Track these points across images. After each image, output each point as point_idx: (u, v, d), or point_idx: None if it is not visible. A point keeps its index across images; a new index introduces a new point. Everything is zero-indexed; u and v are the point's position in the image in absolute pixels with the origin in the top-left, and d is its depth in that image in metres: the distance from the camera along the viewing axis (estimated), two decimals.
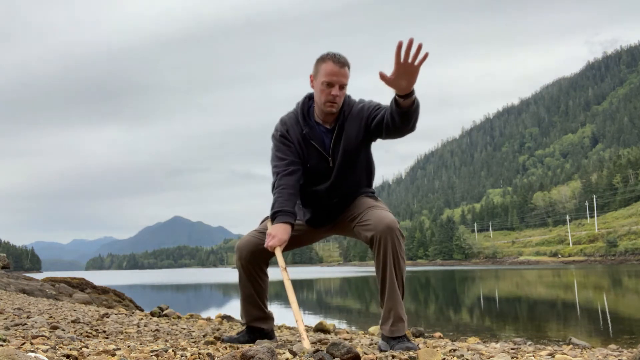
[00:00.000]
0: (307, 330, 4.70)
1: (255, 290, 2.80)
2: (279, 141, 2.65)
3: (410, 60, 2.10)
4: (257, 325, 2.88)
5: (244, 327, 2.94)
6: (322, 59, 2.51)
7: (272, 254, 2.71)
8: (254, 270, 2.75)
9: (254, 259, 2.71)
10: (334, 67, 2.46)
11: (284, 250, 2.58)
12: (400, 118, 2.30)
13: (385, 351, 2.40)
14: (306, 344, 2.16)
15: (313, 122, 2.64)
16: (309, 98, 2.68)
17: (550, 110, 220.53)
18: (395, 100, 2.26)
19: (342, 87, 2.50)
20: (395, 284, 2.47)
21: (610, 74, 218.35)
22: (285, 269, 2.53)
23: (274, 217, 2.56)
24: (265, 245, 2.53)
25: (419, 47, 2.08)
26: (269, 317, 2.91)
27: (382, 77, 2.17)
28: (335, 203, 2.71)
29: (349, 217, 2.70)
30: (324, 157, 2.63)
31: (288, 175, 2.59)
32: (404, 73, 2.13)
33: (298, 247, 2.88)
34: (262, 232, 2.70)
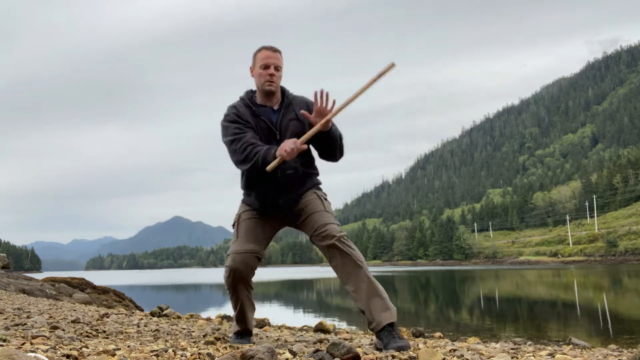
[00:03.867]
0: (306, 330, 4.69)
1: (249, 299, 2.99)
2: (234, 120, 2.84)
3: (324, 106, 2.69)
4: (249, 327, 3.04)
5: (242, 330, 3.02)
6: (257, 50, 2.88)
7: (256, 266, 2.88)
8: (250, 285, 2.95)
9: (250, 277, 2.91)
10: (268, 52, 2.84)
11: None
12: (328, 142, 2.82)
13: (380, 349, 2.44)
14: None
15: (259, 105, 2.92)
16: (251, 91, 2.97)
17: (550, 110, 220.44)
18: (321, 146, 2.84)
19: (277, 68, 2.84)
20: (369, 281, 2.65)
21: (610, 74, 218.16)
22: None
23: (267, 153, 2.67)
24: (289, 150, 2.60)
25: (327, 96, 2.69)
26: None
27: (305, 115, 2.76)
28: (284, 182, 2.83)
29: (301, 217, 2.84)
30: (272, 130, 2.85)
31: (251, 137, 2.78)
32: (320, 115, 2.70)
33: (264, 246, 2.94)
34: (255, 245, 2.86)
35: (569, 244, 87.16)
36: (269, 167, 2.64)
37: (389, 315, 2.58)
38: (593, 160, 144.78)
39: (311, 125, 2.79)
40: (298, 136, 2.77)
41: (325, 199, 2.92)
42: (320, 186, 2.99)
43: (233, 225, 2.96)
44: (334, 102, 2.67)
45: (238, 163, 2.77)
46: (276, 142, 2.80)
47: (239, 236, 2.88)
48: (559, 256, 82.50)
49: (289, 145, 2.60)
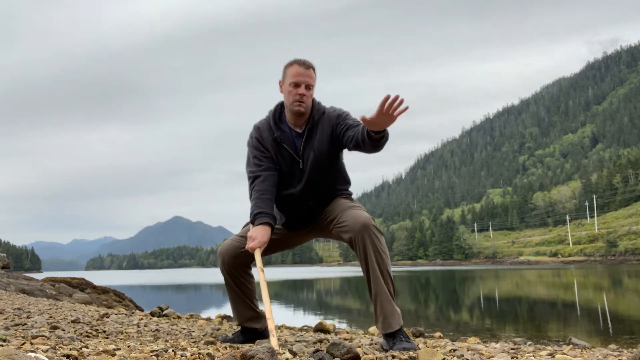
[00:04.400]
0: (306, 330, 4.70)
1: (243, 292, 2.88)
2: (254, 147, 2.74)
3: (391, 111, 2.27)
4: (251, 326, 2.93)
5: (238, 328, 2.98)
6: (288, 64, 2.66)
7: (246, 260, 2.80)
8: (238, 274, 2.83)
9: (237, 263, 2.80)
10: (300, 68, 2.61)
11: (264, 254, 2.66)
12: (371, 147, 2.48)
13: (386, 350, 2.43)
14: (274, 342, 2.18)
15: (285, 126, 2.73)
16: (281, 105, 2.77)
17: (550, 110, 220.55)
18: (367, 133, 2.41)
19: (309, 87, 2.63)
20: (380, 280, 2.54)
21: (610, 74, 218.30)
22: (262, 270, 2.56)
23: (254, 219, 2.63)
24: (246, 248, 2.60)
25: (401, 102, 2.26)
26: (260, 317, 2.94)
27: (363, 119, 2.33)
28: (311, 206, 2.78)
29: (327, 220, 2.75)
30: (295, 159, 2.71)
31: (264, 180, 2.68)
32: (383, 119, 2.30)
33: (279, 250, 2.96)
34: (242, 236, 2.79)
35: (569, 244, 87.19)
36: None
37: (391, 323, 2.52)
38: (593, 160, 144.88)
39: (337, 143, 2.67)
40: (317, 169, 2.70)
41: (349, 198, 2.82)
42: (350, 196, 2.85)
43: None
44: (405, 108, 2.29)
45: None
46: (299, 171, 2.72)
47: (241, 230, 2.87)
48: (559, 256, 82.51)
49: (249, 244, 2.54)
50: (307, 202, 2.76)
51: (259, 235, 2.57)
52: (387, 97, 2.24)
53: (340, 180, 2.84)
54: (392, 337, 2.51)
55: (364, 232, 2.52)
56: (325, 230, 2.79)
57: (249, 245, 2.56)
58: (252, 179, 2.71)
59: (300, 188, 2.73)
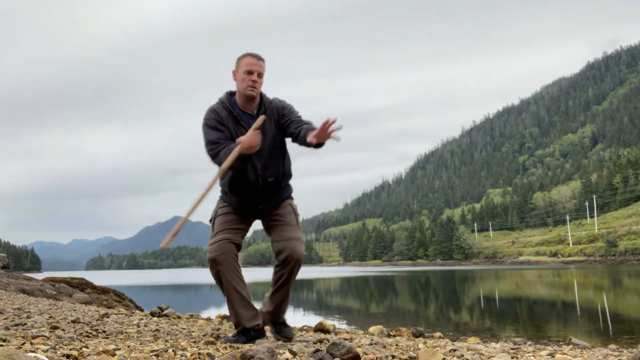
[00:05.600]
0: (306, 330, 4.69)
1: (242, 288, 2.99)
2: (213, 127, 2.98)
3: (329, 132, 2.67)
4: (251, 325, 2.97)
5: (239, 329, 2.97)
6: (242, 56, 3.00)
7: (235, 253, 3.01)
8: (235, 273, 2.97)
9: (233, 263, 2.97)
10: (253, 59, 2.97)
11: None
12: (312, 148, 2.86)
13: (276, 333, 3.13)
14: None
15: (238, 109, 3.03)
16: (230, 94, 3.09)
17: (550, 110, 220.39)
18: (307, 143, 2.81)
19: (260, 75, 2.98)
20: (287, 298, 3.13)
21: (610, 74, 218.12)
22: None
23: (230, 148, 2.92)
24: (245, 148, 2.82)
25: (334, 122, 2.64)
26: (258, 312, 3.06)
27: (308, 135, 2.76)
28: (262, 189, 3.03)
29: (273, 222, 3.09)
30: None
31: (226, 145, 2.98)
32: (323, 136, 2.69)
33: (241, 236, 3.15)
34: (229, 232, 3.02)
35: (569, 244, 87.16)
36: (227, 163, 2.84)
37: (283, 317, 3.16)
38: (593, 160, 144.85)
39: (282, 132, 3.02)
40: (272, 144, 3.01)
41: (297, 214, 3.16)
42: (292, 194, 3.22)
43: (210, 220, 3.15)
44: (337, 137, 2.71)
45: (212, 161, 3.00)
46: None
47: (215, 229, 3.06)
48: (559, 256, 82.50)
49: (250, 141, 2.82)
50: (259, 182, 3.01)
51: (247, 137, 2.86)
52: (327, 122, 2.61)
53: (287, 171, 3.14)
54: (283, 325, 3.12)
55: (294, 266, 2.97)
56: (267, 227, 3.14)
57: (250, 142, 2.83)
58: (215, 149, 2.95)
59: (254, 166, 2.99)
